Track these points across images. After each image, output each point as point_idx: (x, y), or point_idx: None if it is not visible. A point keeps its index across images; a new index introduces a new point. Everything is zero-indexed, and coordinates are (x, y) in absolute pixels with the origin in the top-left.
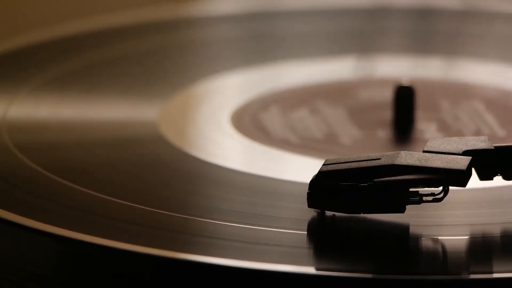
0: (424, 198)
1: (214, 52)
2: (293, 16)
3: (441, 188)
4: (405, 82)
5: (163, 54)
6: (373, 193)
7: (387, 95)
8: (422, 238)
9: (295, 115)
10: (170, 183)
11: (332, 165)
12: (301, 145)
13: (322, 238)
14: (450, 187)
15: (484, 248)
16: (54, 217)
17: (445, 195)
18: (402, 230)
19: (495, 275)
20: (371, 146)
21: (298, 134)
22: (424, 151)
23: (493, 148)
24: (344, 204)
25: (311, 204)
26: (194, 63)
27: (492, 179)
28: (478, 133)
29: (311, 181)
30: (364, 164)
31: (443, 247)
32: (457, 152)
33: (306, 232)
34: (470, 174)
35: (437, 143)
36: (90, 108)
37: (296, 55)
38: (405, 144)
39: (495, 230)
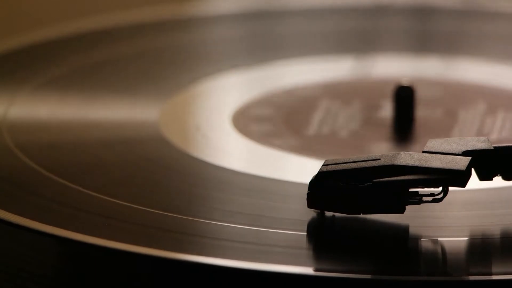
0: (424, 199)
1: (214, 52)
2: (292, 16)
3: (440, 188)
4: (405, 82)
5: (163, 54)
6: (372, 194)
7: (387, 95)
8: (422, 239)
9: (295, 115)
10: (170, 183)
11: (331, 166)
12: (301, 145)
13: (322, 239)
14: (450, 188)
15: (484, 249)
16: (54, 217)
17: (444, 196)
18: (402, 231)
19: (495, 277)
20: (371, 146)
21: (298, 134)
22: (423, 152)
23: (492, 148)
24: (344, 204)
25: (310, 204)
26: (194, 63)
27: (491, 179)
28: (478, 133)
29: (311, 182)
30: (363, 164)
31: (443, 248)
32: (456, 152)
33: (306, 233)
34: (469, 175)
35: (436, 144)
36: (90, 108)
37: (296, 55)
38: (405, 144)
39: (495, 231)
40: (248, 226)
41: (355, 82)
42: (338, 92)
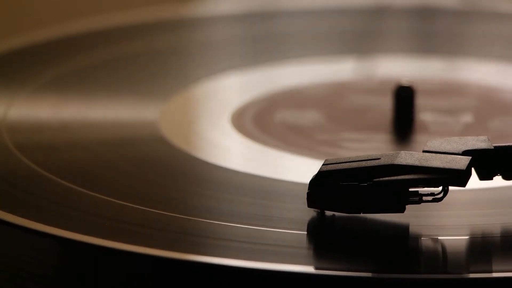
0: (424, 198)
1: (214, 52)
2: (293, 16)
3: (440, 188)
4: (405, 82)
5: (163, 54)
6: (373, 193)
7: (387, 95)
8: (422, 238)
9: (295, 115)
10: (170, 183)
11: (332, 165)
12: (301, 145)
13: (322, 238)
14: (450, 187)
15: (484, 248)
16: (54, 218)
17: (444, 195)
18: (402, 230)
19: (495, 275)
20: (371, 146)
21: (298, 134)
22: (424, 151)
23: (492, 148)
24: (344, 204)
25: (311, 204)
26: (194, 63)
27: (491, 179)
28: (478, 133)
29: (311, 181)
30: (364, 164)
31: (443, 246)
32: (457, 152)
33: (306, 232)
34: (469, 174)
35: (437, 143)
36: (90, 108)
37: (296, 55)
38: (405, 144)
39: (495, 230)
40: (248, 226)
41: (356, 82)
42: (338, 92)
